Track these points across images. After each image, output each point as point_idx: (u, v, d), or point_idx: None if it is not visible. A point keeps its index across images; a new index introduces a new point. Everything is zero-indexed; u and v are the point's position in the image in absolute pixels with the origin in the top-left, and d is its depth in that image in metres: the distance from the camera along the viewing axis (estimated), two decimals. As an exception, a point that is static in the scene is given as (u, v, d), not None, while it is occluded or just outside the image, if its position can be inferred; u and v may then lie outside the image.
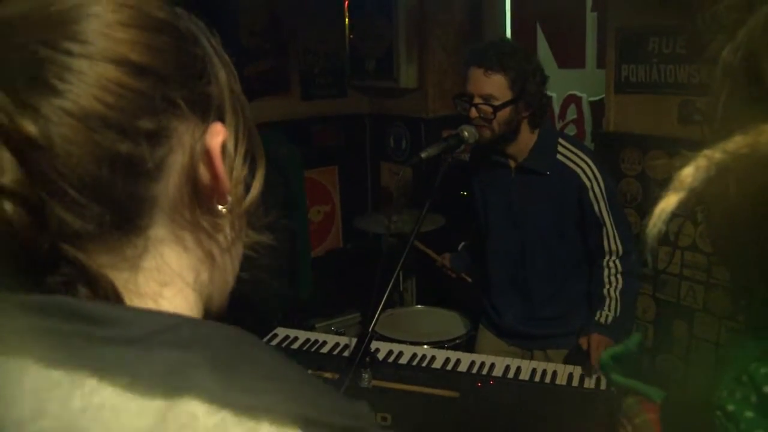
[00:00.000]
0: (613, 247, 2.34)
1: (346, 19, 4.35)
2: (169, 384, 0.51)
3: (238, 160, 0.64)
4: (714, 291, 2.77)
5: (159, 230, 0.60)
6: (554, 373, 2.21)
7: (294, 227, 4.30)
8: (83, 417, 0.51)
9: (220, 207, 0.63)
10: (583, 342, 2.29)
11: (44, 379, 0.52)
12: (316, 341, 2.46)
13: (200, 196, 0.62)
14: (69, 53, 0.54)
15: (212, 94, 0.62)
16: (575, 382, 2.18)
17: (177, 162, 0.59)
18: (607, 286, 2.35)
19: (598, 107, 3.45)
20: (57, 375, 0.52)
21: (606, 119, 3.14)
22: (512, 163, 2.45)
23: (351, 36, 4.37)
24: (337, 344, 2.43)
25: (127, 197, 0.56)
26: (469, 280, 2.91)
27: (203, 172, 0.61)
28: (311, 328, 3.69)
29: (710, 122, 0.70)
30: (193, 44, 0.62)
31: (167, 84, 0.58)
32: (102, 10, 0.56)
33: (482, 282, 2.73)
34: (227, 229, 0.65)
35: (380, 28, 4.16)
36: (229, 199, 0.63)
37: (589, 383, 2.17)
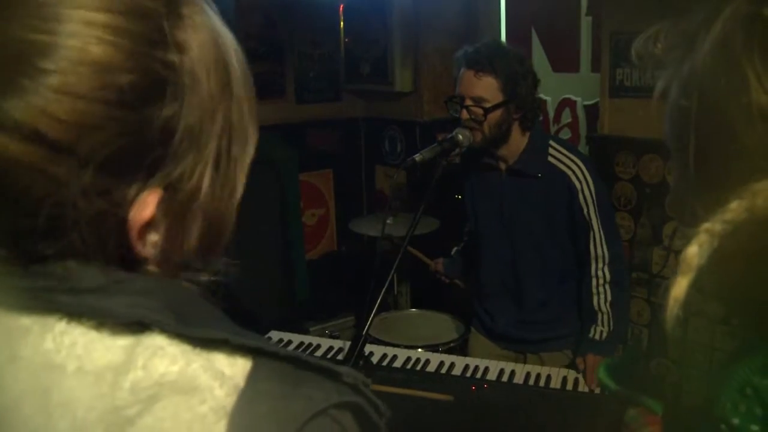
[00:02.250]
0: (600, 251, 2.33)
1: (341, 23, 4.35)
2: (132, 322, 0.57)
3: (193, 211, 0.62)
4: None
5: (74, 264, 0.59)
6: (548, 377, 2.21)
7: (288, 230, 4.30)
8: (58, 356, 0.56)
9: (142, 261, 0.62)
10: (579, 363, 2.27)
11: (15, 327, 0.57)
12: (310, 344, 2.45)
13: (122, 250, 0.60)
14: None
15: (159, 156, 0.58)
16: (569, 386, 2.18)
17: (92, 232, 0.57)
18: (596, 299, 2.33)
19: (592, 111, 3.46)
20: (27, 322, 0.57)
21: (600, 123, 3.14)
22: (503, 166, 2.45)
23: (346, 40, 4.38)
24: (330, 347, 2.42)
25: (34, 248, 0.56)
26: (463, 285, 2.90)
27: (125, 235, 0.59)
28: (306, 332, 3.68)
29: (683, 168, 0.69)
30: (155, 102, 0.56)
31: (91, 164, 0.53)
32: (54, 68, 0.51)
33: (475, 286, 2.72)
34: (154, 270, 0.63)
35: (375, 31, 4.16)
36: (152, 252, 0.60)
37: (583, 387, 2.17)
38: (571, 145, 2.47)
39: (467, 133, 2.32)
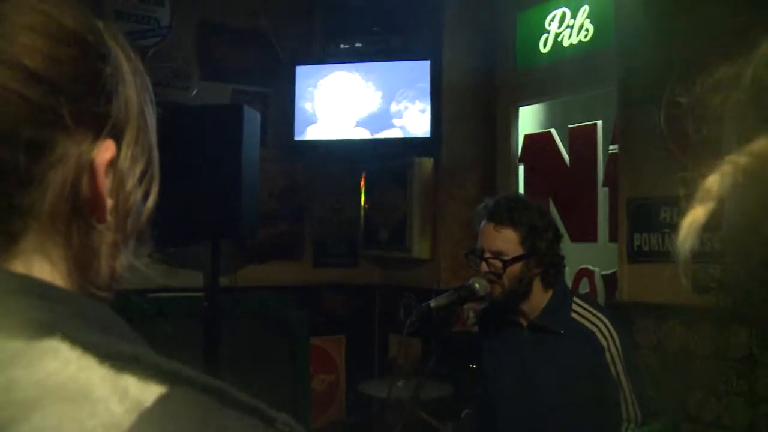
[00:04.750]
0: (632, 413, 2.20)
1: (362, 190, 4.46)
2: (32, 327, 0.50)
3: (131, 181, 0.64)
4: None
5: (30, 240, 0.57)
6: None
7: (296, 395, 4.15)
8: None
9: (98, 225, 0.61)
10: None
11: None
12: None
13: (79, 211, 0.60)
14: None
15: (111, 112, 0.62)
16: None
17: (57, 175, 0.57)
18: None
19: (610, 280, 3.43)
20: None
21: (619, 289, 3.10)
22: (523, 321, 2.38)
23: (366, 206, 4.47)
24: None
25: None
26: (472, 453, 2.73)
27: (85, 188, 0.59)
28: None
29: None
30: (100, 60, 0.61)
31: (60, 96, 0.56)
32: (10, 10, 0.56)
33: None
34: (104, 248, 0.63)
35: (395, 199, 4.25)
36: (109, 218, 0.61)
37: None
38: (595, 302, 2.42)
39: (484, 282, 2.28)
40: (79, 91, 0.58)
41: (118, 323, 0.58)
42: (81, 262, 0.61)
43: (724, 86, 0.69)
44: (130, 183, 0.64)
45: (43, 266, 0.58)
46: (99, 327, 0.54)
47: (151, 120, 0.68)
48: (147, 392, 0.50)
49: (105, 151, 0.60)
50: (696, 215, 0.54)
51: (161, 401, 0.50)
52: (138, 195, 0.65)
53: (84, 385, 0.49)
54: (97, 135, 0.60)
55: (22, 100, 0.54)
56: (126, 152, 0.63)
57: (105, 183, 0.60)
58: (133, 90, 0.65)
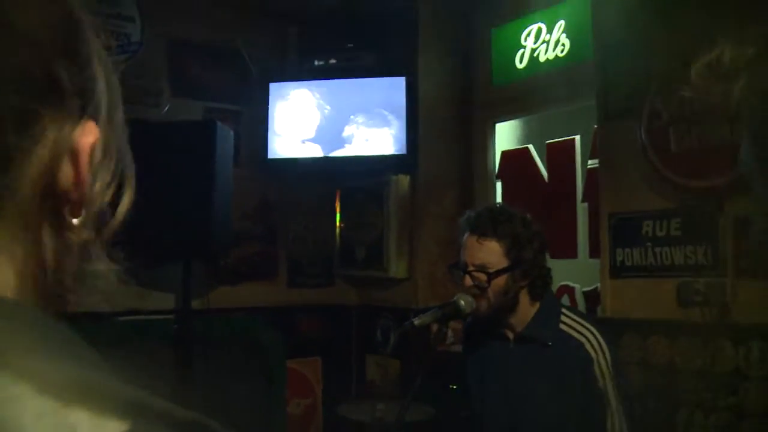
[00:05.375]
0: (617, 429, 2.13)
1: (337, 209, 4.39)
2: None
3: (103, 174, 0.55)
4: None
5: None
6: None
7: (271, 420, 4.03)
8: None
9: (73, 220, 0.52)
10: None
11: None
12: None
13: (53, 201, 0.51)
14: None
15: (92, 89, 0.53)
16: None
17: (37, 156, 0.49)
18: None
19: (591, 297, 3.39)
20: None
21: (602, 306, 3.06)
22: (510, 334, 2.31)
23: (341, 225, 4.39)
24: None
25: None
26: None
27: (65, 174, 0.51)
28: None
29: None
30: (80, 36, 0.53)
31: (47, 56, 0.48)
32: None
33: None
34: (75, 247, 0.54)
35: (371, 217, 4.19)
36: (84, 212, 0.53)
37: None
38: (583, 313, 2.36)
39: (469, 299, 2.21)
40: (67, 55, 0.50)
41: (73, 342, 0.47)
42: (48, 261, 0.52)
43: (731, 67, 0.65)
44: (103, 180, 0.55)
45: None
46: (46, 347, 0.44)
47: (119, 103, 0.59)
48: (102, 431, 0.40)
49: (89, 133, 0.51)
50: None
51: None
52: (110, 192, 0.56)
53: (11, 425, 0.38)
54: (81, 114, 0.51)
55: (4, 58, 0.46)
56: (100, 144, 0.54)
57: (87, 169, 0.51)
58: (101, 68, 0.56)
